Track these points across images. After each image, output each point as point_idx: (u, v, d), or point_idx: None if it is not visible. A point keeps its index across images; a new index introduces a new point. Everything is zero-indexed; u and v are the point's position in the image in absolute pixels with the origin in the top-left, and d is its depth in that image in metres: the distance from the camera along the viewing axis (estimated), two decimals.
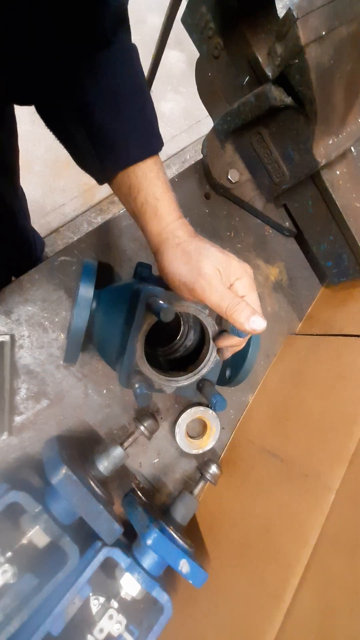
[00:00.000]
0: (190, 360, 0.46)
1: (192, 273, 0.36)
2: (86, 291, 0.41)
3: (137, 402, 0.36)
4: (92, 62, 0.36)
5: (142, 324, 0.38)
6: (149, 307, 0.37)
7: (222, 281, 0.36)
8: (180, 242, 0.39)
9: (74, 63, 0.36)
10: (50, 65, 0.35)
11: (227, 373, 0.50)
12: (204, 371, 0.43)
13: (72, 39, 0.34)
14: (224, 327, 0.41)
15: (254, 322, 0.34)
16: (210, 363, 0.43)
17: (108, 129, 0.38)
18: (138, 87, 0.40)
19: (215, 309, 0.36)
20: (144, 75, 0.41)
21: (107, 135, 0.38)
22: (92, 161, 0.41)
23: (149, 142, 0.40)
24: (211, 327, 0.41)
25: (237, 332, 0.36)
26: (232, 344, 0.42)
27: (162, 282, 0.44)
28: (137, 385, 0.37)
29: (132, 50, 0.40)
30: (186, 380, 0.43)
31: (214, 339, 0.42)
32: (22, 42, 0.32)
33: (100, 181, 0.43)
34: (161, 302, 0.34)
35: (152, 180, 0.40)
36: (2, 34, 0.30)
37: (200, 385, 0.43)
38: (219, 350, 0.43)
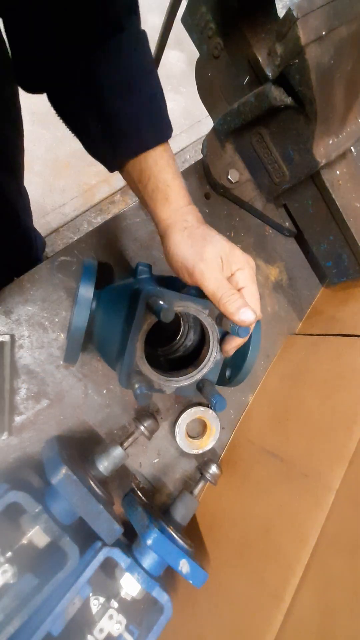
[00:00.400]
0: (190, 360, 0.46)
1: (194, 257, 0.37)
2: (86, 291, 0.41)
3: (137, 401, 0.36)
4: (104, 48, 0.36)
5: (142, 324, 0.38)
6: (149, 307, 0.37)
7: (223, 269, 0.37)
8: (188, 226, 0.39)
9: (87, 48, 0.36)
10: (64, 51, 0.35)
11: (227, 373, 0.50)
12: (204, 371, 0.43)
13: (86, 24, 0.35)
14: (224, 327, 0.41)
15: (243, 314, 0.34)
16: (210, 363, 0.43)
17: (120, 115, 0.38)
18: (149, 73, 0.40)
19: (210, 296, 0.36)
20: (154, 62, 0.41)
21: (119, 121, 0.39)
22: (103, 148, 0.41)
23: (160, 128, 0.40)
24: (211, 328, 0.41)
25: (237, 332, 0.37)
26: (234, 345, 0.42)
27: (162, 281, 0.44)
28: (137, 385, 0.37)
29: (143, 37, 0.40)
30: (186, 380, 0.42)
31: (219, 342, 0.42)
32: (37, 27, 0.33)
33: (111, 168, 0.43)
34: (161, 302, 0.34)
35: (162, 167, 0.40)
36: (19, 19, 0.31)
37: (200, 385, 0.43)
38: (222, 349, 0.43)
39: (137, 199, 0.46)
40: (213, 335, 0.42)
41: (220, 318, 0.40)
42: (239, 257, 0.38)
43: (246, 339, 0.42)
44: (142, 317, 0.38)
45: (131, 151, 0.40)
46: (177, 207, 0.40)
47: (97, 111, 0.39)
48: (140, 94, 0.39)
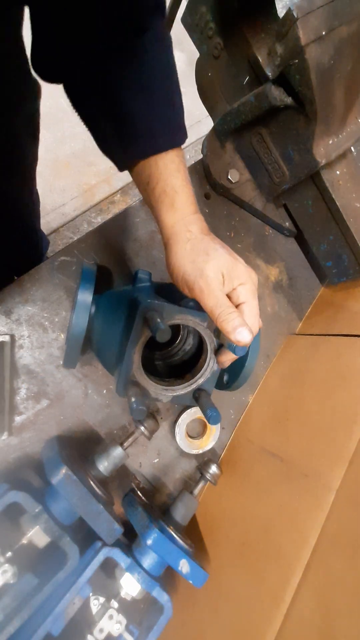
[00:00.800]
0: (188, 366, 0.46)
1: (194, 272, 0.36)
2: (85, 297, 0.41)
3: (132, 415, 0.36)
4: (127, 47, 0.36)
5: (139, 337, 0.38)
6: (147, 322, 0.37)
7: (225, 285, 0.36)
8: (192, 238, 0.39)
9: (110, 46, 0.36)
10: (85, 44, 0.35)
11: (225, 378, 0.50)
12: (200, 381, 0.43)
13: (109, 20, 0.34)
14: (222, 341, 0.41)
15: (240, 334, 0.34)
16: (207, 373, 0.43)
17: (136, 116, 0.38)
18: (169, 77, 0.40)
19: (209, 313, 0.36)
20: (175, 66, 0.41)
21: (135, 122, 0.38)
22: (115, 147, 0.41)
23: (175, 133, 0.40)
24: (209, 339, 0.41)
25: (233, 349, 0.36)
26: (229, 358, 0.42)
27: (162, 289, 0.44)
28: (133, 399, 0.37)
29: (167, 39, 0.39)
30: (182, 390, 0.43)
31: (214, 354, 0.42)
32: (62, 17, 0.32)
33: (121, 168, 0.43)
34: (159, 320, 0.34)
35: (172, 172, 0.40)
36: (45, 8, 0.30)
37: (197, 395, 0.43)
38: (218, 361, 0.43)
39: (137, 198, 0.46)
40: (210, 346, 0.42)
41: (218, 331, 0.40)
42: (241, 272, 0.37)
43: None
44: (140, 331, 0.38)
45: (143, 152, 0.39)
46: (182, 214, 0.40)
47: (112, 109, 0.38)
48: (157, 96, 0.39)
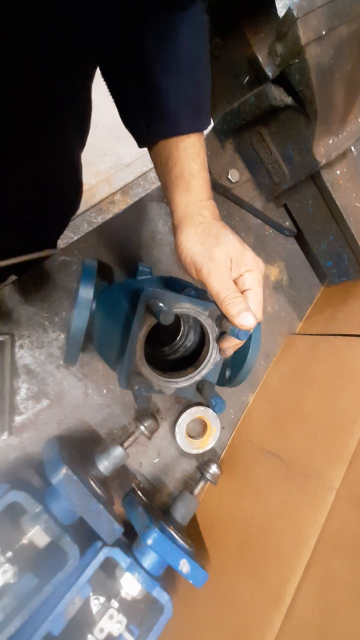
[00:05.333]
0: (190, 360, 0.46)
1: (204, 255, 0.37)
2: (86, 292, 0.41)
3: (136, 403, 0.36)
4: (163, 21, 0.36)
5: (142, 326, 0.38)
6: (149, 308, 0.37)
7: (232, 270, 0.37)
8: (203, 221, 0.39)
9: (149, 17, 0.35)
10: (128, 13, 0.35)
11: (227, 373, 0.50)
12: (204, 372, 0.43)
13: None
14: (224, 329, 0.41)
15: (244, 318, 0.34)
16: (210, 364, 0.43)
17: (163, 94, 0.38)
18: (201, 60, 0.40)
19: (214, 296, 0.36)
20: (208, 50, 0.40)
21: (161, 99, 0.38)
22: (139, 122, 0.40)
23: (199, 117, 0.40)
24: (211, 329, 0.41)
25: (236, 334, 0.37)
26: (232, 345, 0.42)
27: (163, 282, 0.44)
28: (136, 387, 0.37)
29: (203, 21, 0.39)
30: (186, 382, 0.42)
31: (216, 341, 0.42)
32: None
33: (141, 144, 0.43)
34: (161, 304, 0.34)
35: (191, 156, 0.40)
36: None
37: (200, 386, 0.43)
38: (220, 349, 0.43)
39: (137, 198, 0.46)
40: (213, 336, 0.42)
41: (220, 320, 0.40)
42: (249, 259, 0.37)
43: (244, 341, 0.42)
44: (142, 319, 0.38)
45: (165, 132, 0.39)
46: (196, 199, 0.40)
47: (141, 83, 0.38)
48: (187, 78, 0.38)
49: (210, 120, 0.42)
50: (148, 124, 0.40)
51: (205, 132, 0.43)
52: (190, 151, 0.40)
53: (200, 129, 0.40)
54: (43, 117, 0.37)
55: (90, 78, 0.42)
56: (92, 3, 0.33)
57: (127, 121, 0.42)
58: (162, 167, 0.41)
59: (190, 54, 0.38)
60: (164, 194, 0.43)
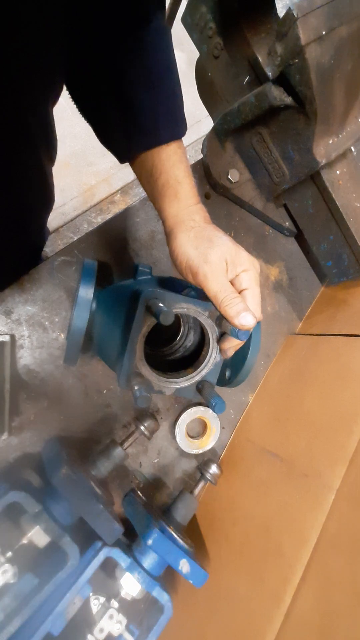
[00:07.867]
0: (190, 361, 0.46)
1: (199, 258, 0.37)
2: (86, 292, 0.41)
3: (136, 403, 0.36)
4: (132, 39, 0.37)
5: (142, 326, 0.38)
6: (149, 309, 0.37)
7: (228, 271, 0.37)
8: (195, 226, 0.39)
9: (116, 37, 0.36)
10: (94, 36, 0.35)
11: (227, 374, 0.50)
12: (204, 372, 0.43)
13: (117, 12, 0.35)
14: (224, 329, 0.41)
15: (244, 318, 0.35)
16: (210, 364, 0.43)
17: (140, 107, 0.39)
18: (170, 69, 0.40)
19: (212, 299, 0.36)
20: (175, 58, 0.41)
21: (138, 113, 0.39)
22: (118, 138, 0.41)
23: (177, 125, 0.41)
24: (211, 329, 0.41)
25: (237, 335, 0.37)
26: (232, 345, 0.42)
27: (163, 283, 0.44)
28: (136, 387, 0.37)
29: (167, 32, 0.40)
30: (186, 382, 0.42)
31: (217, 342, 0.42)
32: (72, 12, 0.32)
33: (122, 160, 0.43)
34: (161, 304, 0.34)
35: (175, 164, 0.40)
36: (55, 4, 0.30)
37: (200, 386, 0.43)
38: (221, 350, 0.43)
39: (137, 198, 0.46)
40: (213, 337, 0.42)
41: (220, 320, 0.40)
42: (244, 259, 0.38)
43: (245, 341, 0.42)
44: (142, 319, 0.38)
45: (146, 144, 0.40)
46: (185, 205, 0.40)
47: (116, 100, 0.38)
48: (161, 89, 0.39)
49: (187, 125, 0.42)
50: (129, 138, 0.40)
51: (206, 132, 0.43)
52: (173, 159, 0.40)
53: (179, 136, 0.41)
54: (18, 137, 0.37)
55: (57, 98, 0.42)
56: (62, 25, 0.33)
57: (105, 140, 0.43)
58: (147, 178, 0.42)
59: (162, 64, 0.39)
60: (153, 204, 0.43)
